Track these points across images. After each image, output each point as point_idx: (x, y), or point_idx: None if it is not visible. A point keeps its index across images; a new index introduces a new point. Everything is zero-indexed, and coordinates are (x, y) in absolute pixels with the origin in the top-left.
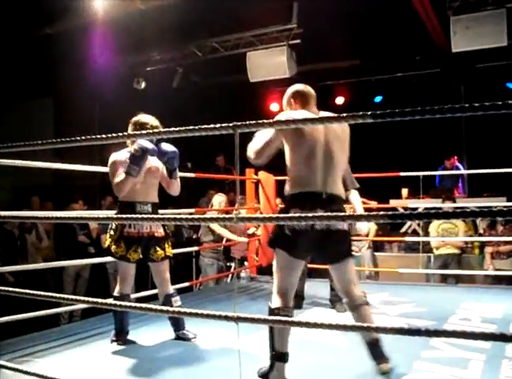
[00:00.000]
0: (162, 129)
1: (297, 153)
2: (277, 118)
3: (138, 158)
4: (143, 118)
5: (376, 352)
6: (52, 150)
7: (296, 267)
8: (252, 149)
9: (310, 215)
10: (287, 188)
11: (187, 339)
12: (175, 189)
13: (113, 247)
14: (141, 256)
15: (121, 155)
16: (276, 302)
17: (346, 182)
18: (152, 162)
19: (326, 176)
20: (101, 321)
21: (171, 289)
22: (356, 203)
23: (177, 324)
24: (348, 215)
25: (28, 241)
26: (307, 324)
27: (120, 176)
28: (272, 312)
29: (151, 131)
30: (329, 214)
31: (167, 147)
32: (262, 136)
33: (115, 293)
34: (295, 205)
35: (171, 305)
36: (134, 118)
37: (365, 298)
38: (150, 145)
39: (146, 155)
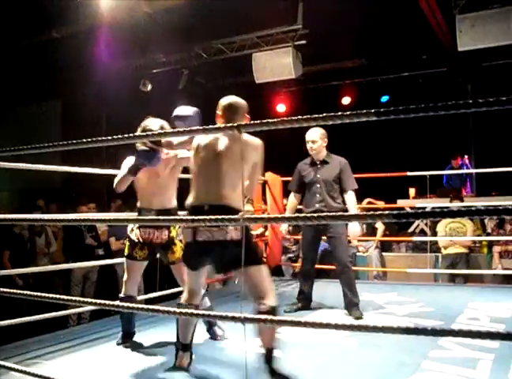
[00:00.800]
0: (167, 130)
1: (193, 167)
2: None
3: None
4: (148, 123)
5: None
6: (60, 152)
7: (194, 274)
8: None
9: (313, 215)
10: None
11: (215, 338)
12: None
13: (126, 248)
14: (149, 256)
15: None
16: (184, 298)
17: (342, 184)
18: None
19: (210, 188)
20: (109, 323)
21: None
22: (349, 204)
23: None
24: (348, 214)
25: (38, 244)
26: (309, 325)
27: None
28: (179, 305)
29: (156, 132)
30: (334, 214)
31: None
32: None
33: (121, 294)
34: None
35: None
36: (142, 123)
37: (265, 307)
38: (139, 161)
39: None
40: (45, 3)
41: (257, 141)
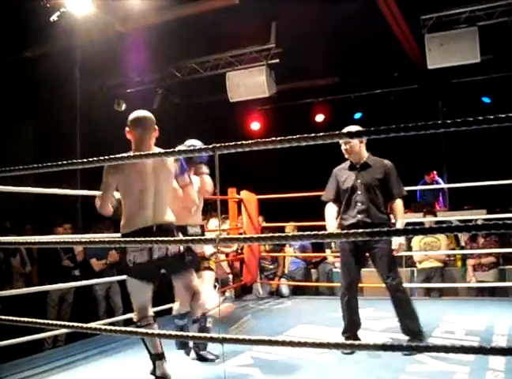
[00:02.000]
0: (144, 153)
1: (126, 189)
2: None
3: None
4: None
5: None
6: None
7: (144, 287)
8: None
9: (295, 234)
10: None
11: (208, 360)
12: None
13: None
14: None
15: None
16: (136, 316)
17: (388, 190)
18: None
19: (156, 208)
20: (86, 345)
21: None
22: (397, 214)
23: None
24: (327, 233)
25: (13, 264)
26: (287, 344)
27: None
28: (136, 324)
29: (132, 154)
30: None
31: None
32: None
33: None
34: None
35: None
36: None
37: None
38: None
39: None
40: (18, 23)
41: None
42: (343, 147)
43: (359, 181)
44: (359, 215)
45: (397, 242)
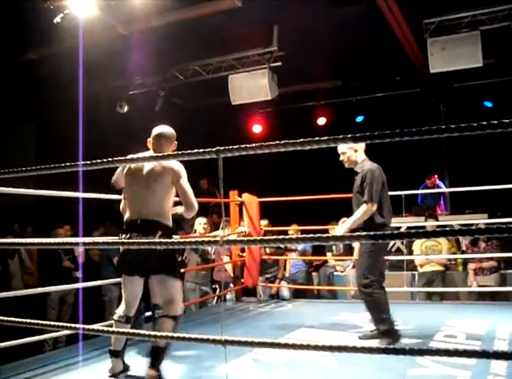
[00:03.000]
0: (146, 155)
1: (126, 187)
2: None
3: None
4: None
5: (155, 358)
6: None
7: (128, 282)
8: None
9: (284, 237)
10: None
11: None
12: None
13: None
14: None
15: None
16: (119, 310)
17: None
18: None
19: (143, 205)
20: (87, 347)
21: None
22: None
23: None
24: (331, 236)
25: (11, 266)
26: (289, 346)
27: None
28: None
29: (132, 157)
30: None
31: None
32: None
33: None
34: (122, 231)
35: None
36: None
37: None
38: None
39: None
40: (22, 25)
41: (171, 166)
42: (340, 158)
43: (353, 187)
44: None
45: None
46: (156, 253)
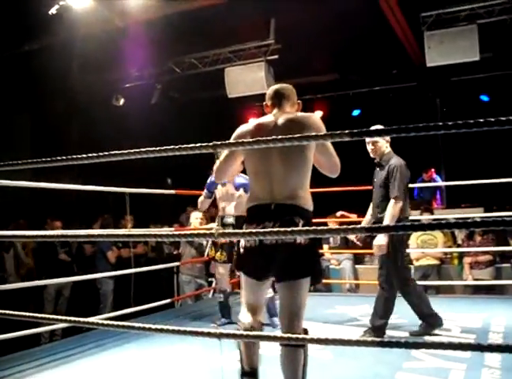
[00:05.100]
0: (142, 149)
1: (249, 164)
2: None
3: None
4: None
5: None
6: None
7: (255, 286)
8: (214, 168)
9: (280, 230)
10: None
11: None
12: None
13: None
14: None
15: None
16: (244, 318)
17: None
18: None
19: (275, 186)
20: (83, 340)
21: None
22: (386, 214)
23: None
24: (326, 229)
25: (7, 260)
26: (285, 339)
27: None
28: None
29: (128, 151)
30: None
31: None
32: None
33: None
34: (246, 220)
35: None
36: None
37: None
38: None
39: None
40: (17, 16)
41: (308, 118)
42: (368, 147)
43: (375, 180)
44: (368, 215)
45: (375, 242)
46: (300, 249)
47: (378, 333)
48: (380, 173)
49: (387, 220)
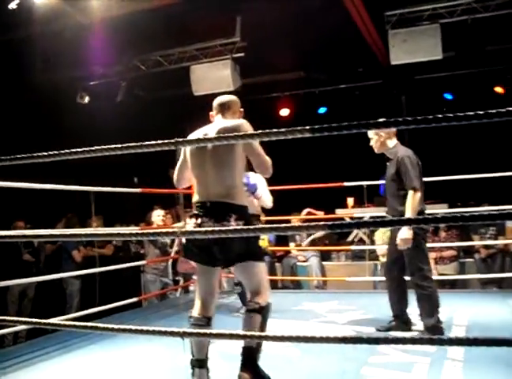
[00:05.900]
0: (106, 146)
1: (192, 168)
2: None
3: None
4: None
5: (247, 359)
6: None
7: (206, 273)
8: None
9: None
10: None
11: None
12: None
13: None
14: None
15: None
16: (194, 311)
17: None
18: None
19: (210, 186)
20: (47, 341)
21: None
22: (406, 206)
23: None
24: (290, 225)
25: None
26: (251, 337)
27: None
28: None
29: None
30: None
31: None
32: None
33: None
34: (192, 215)
35: None
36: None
37: (256, 306)
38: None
39: None
40: None
41: (237, 124)
42: (371, 142)
43: (386, 174)
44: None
45: (400, 235)
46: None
47: (435, 332)
48: (390, 167)
49: (408, 213)
